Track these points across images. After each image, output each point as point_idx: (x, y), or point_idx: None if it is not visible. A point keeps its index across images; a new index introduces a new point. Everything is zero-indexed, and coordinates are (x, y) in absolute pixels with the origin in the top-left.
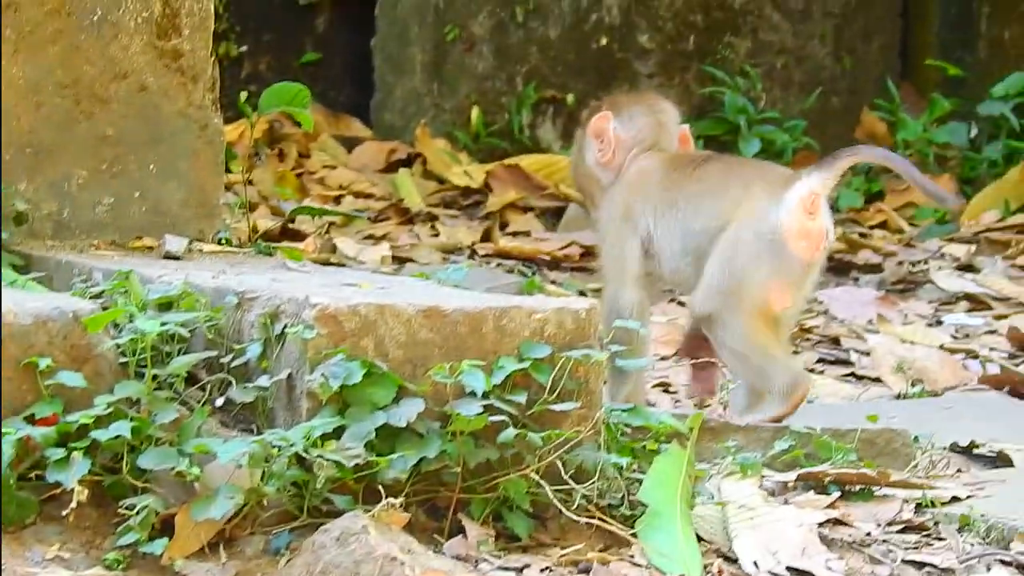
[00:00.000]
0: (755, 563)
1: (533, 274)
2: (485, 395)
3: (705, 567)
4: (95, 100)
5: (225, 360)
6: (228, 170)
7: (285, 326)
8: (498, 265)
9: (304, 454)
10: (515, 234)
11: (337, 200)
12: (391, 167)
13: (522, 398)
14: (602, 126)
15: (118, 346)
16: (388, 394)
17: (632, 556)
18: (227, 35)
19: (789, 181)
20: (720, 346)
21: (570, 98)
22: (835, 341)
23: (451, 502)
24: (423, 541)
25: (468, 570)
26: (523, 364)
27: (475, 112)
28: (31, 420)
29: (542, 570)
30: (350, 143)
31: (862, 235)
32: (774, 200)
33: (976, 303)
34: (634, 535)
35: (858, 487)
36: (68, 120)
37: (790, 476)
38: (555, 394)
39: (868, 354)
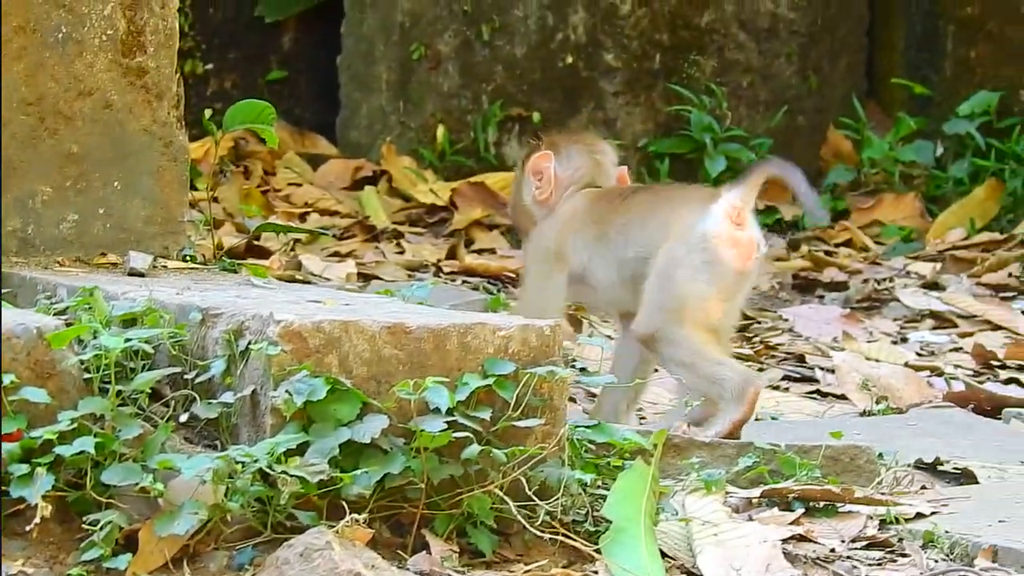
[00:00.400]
0: None
1: (498, 291)
2: (449, 412)
3: None
4: (60, 117)
5: (189, 376)
6: (193, 187)
7: (249, 342)
8: (463, 282)
9: (268, 470)
10: (480, 251)
11: (302, 217)
12: (357, 184)
13: (486, 415)
14: (542, 165)
15: (82, 362)
16: (352, 410)
17: (596, 572)
18: (192, 53)
19: (713, 196)
20: (667, 362)
21: (536, 116)
22: (800, 358)
23: (415, 518)
24: (387, 557)
25: None
26: (487, 381)
27: (441, 130)
28: None
29: None
30: (316, 160)
31: (827, 253)
32: (701, 214)
33: (941, 321)
34: (598, 551)
35: (822, 503)
36: (32, 137)
37: (754, 492)
38: (519, 411)
39: (833, 371)
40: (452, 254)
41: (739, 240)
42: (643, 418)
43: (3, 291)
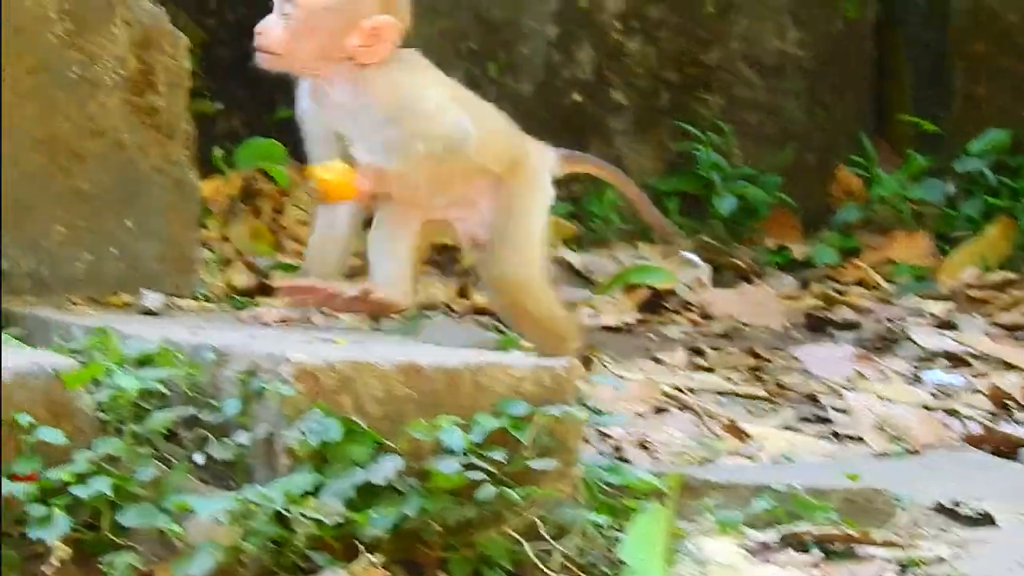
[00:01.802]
0: None
1: (508, 330)
2: (463, 452)
3: None
4: (72, 156)
5: (203, 416)
6: (204, 226)
7: (262, 382)
8: (474, 321)
9: (283, 511)
10: None
11: None
12: (366, 223)
13: (500, 455)
14: None
15: (97, 403)
16: (366, 451)
17: None
18: (202, 92)
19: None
20: None
21: None
22: (813, 399)
23: (430, 560)
24: None
25: None
26: (501, 421)
27: None
28: (11, 477)
29: None
30: None
31: (838, 292)
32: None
33: (955, 361)
34: None
35: (840, 547)
36: (45, 176)
37: (771, 535)
38: (533, 452)
39: (847, 412)
40: (463, 293)
41: None
42: (657, 458)
43: (17, 332)
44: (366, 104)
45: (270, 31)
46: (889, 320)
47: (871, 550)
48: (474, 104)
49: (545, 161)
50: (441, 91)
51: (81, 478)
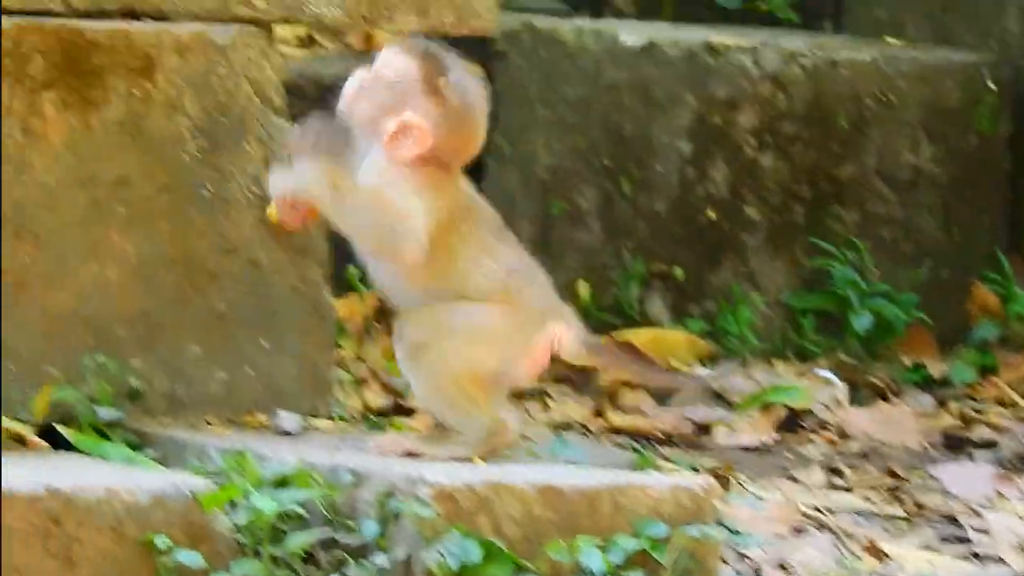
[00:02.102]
0: None
1: (645, 450)
2: (603, 574)
3: None
4: (206, 275)
5: (341, 538)
6: (339, 345)
7: (400, 504)
8: (611, 441)
9: None
10: (627, 410)
11: None
12: None
13: None
14: None
15: (235, 524)
16: (505, 572)
17: None
18: None
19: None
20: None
21: (679, 272)
22: (952, 519)
23: None
24: None
25: None
26: (640, 542)
27: (583, 287)
28: None
29: None
30: None
31: (976, 410)
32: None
33: None
34: None
35: None
36: (180, 295)
37: None
38: (673, 572)
39: (987, 532)
40: (599, 412)
41: None
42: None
43: (153, 453)
44: None
45: (350, 83)
46: None
47: None
48: (495, 249)
49: (552, 325)
50: (440, 206)
51: None
